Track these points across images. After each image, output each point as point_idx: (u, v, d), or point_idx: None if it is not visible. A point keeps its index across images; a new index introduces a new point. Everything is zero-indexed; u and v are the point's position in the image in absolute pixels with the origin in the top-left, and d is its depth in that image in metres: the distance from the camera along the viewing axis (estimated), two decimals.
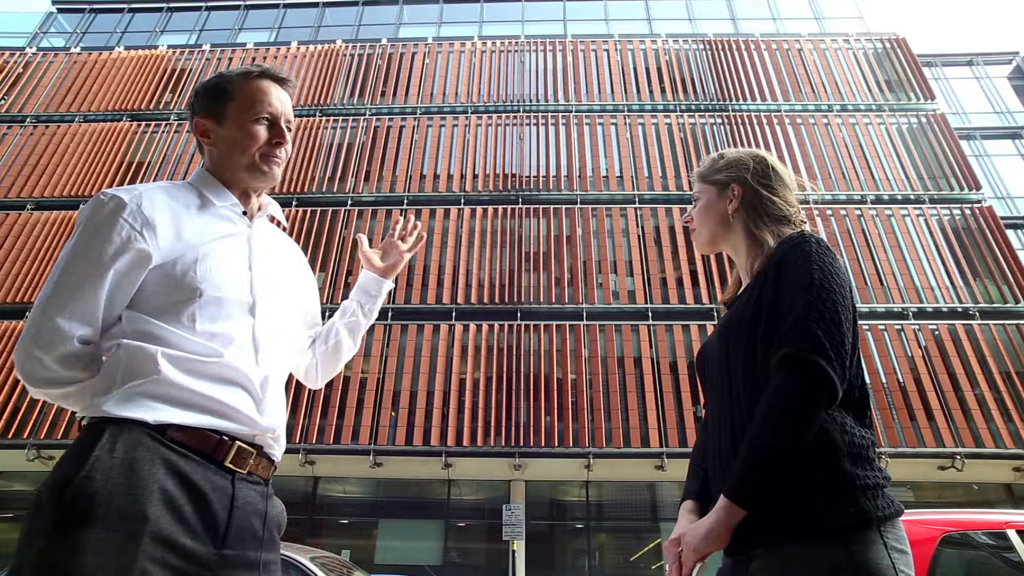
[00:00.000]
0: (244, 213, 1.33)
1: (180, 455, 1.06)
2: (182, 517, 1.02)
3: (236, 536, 1.09)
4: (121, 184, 15.09)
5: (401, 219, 1.70)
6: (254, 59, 17.61)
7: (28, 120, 16.45)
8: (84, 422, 1.10)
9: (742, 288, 1.40)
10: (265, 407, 1.20)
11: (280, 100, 1.34)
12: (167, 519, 1.00)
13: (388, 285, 1.64)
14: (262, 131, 1.31)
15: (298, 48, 17.81)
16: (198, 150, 1.38)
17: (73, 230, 1.18)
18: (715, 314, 12.65)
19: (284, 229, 1.52)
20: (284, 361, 1.31)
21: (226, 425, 1.13)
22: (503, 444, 11.91)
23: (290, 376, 1.44)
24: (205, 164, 1.35)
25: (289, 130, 1.36)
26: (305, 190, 14.89)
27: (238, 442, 1.14)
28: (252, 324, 1.22)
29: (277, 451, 1.25)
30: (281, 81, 1.36)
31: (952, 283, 13.26)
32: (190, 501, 1.04)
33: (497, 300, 13.60)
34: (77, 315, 1.10)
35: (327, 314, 1.58)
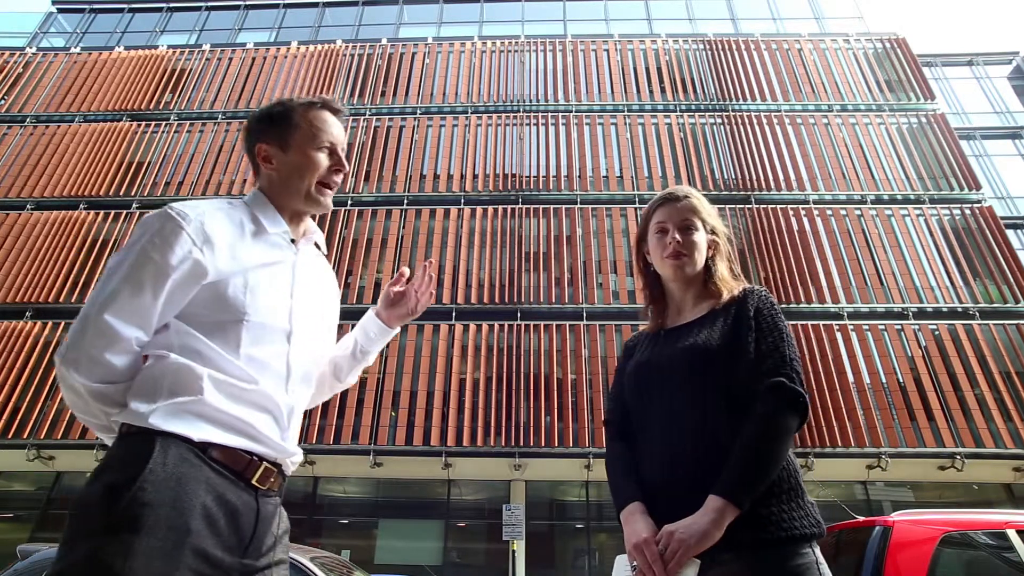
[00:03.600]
0: (292, 240, 1.39)
1: (218, 473, 1.14)
2: (217, 531, 1.10)
3: (255, 546, 1.18)
4: (121, 184, 15.19)
5: (426, 268, 1.67)
6: (254, 59, 17.61)
7: (28, 120, 16.45)
8: (124, 429, 1.16)
9: (686, 317, 1.55)
10: (288, 435, 1.29)
11: (338, 129, 1.43)
12: (205, 532, 1.08)
13: (391, 335, 1.66)
14: (323, 158, 1.39)
15: (298, 48, 17.80)
16: (253, 173, 1.44)
17: (133, 237, 1.21)
18: None
19: (326, 256, 1.56)
20: (309, 388, 1.40)
21: (256, 447, 1.21)
22: (503, 444, 11.91)
23: None
24: (261, 185, 1.41)
25: (345, 157, 1.45)
26: None
27: (265, 463, 1.23)
28: (287, 351, 1.29)
29: (291, 470, 1.35)
30: (336, 112, 1.45)
31: (952, 283, 13.26)
32: (224, 516, 1.12)
33: (497, 300, 13.59)
34: (135, 318, 1.16)
35: None
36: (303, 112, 1.40)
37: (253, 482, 1.19)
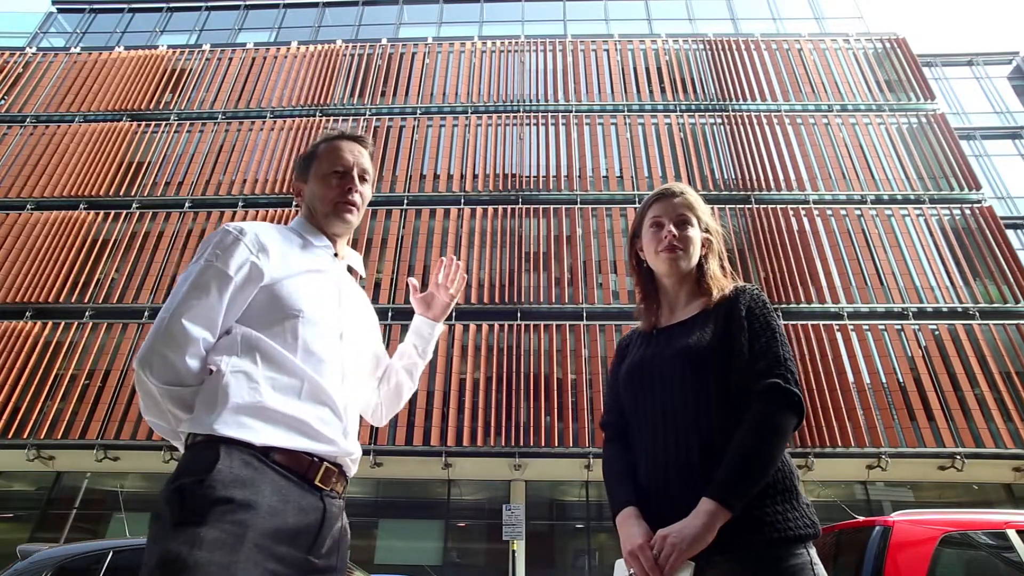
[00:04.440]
0: (335, 256, 1.54)
1: (281, 475, 1.20)
2: (282, 528, 1.16)
3: (319, 544, 1.24)
4: (121, 184, 15.20)
5: (443, 263, 1.82)
6: (254, 59, 17.61)
7: (28, 120, 16.45)
8: (190, 440, 1.23)
9: (678, 316, 1.56)
10: (348, 431, 1.36)
11: (352, 153, 1.56)
12: (270, 528, 1.13)
13: (439, 328, 1.80)
14: (335, 182, 1.53)
15: (298, 48, 17.80)
16: (297, 208, 1.62)
17: (198, 253, 1.34)
18: None
19: (362, 281, 1.71)
20: (363, 391, 1.50)
21: (316, 447, 1.27)
22: (503, 444, 11.91)
23: None
24: (303, 213, 1.58)
25: (364, 180, 1.58)
26: None
27: (325, 463, 1.28)
28: (342, 349, 1.39)
29: (353, 469, 1.40)
30: (358, 139, 1.60)
31: (952, 283, 13.26)
32: (290, 514, 1.18)
33: (497, 300, 13.59)
34: (203, 320, 1.26)
35: None
36: (321, 147, 1.57)
37: (316, 483, 1.25)
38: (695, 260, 1.57)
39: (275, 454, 1.20)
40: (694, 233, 1.57)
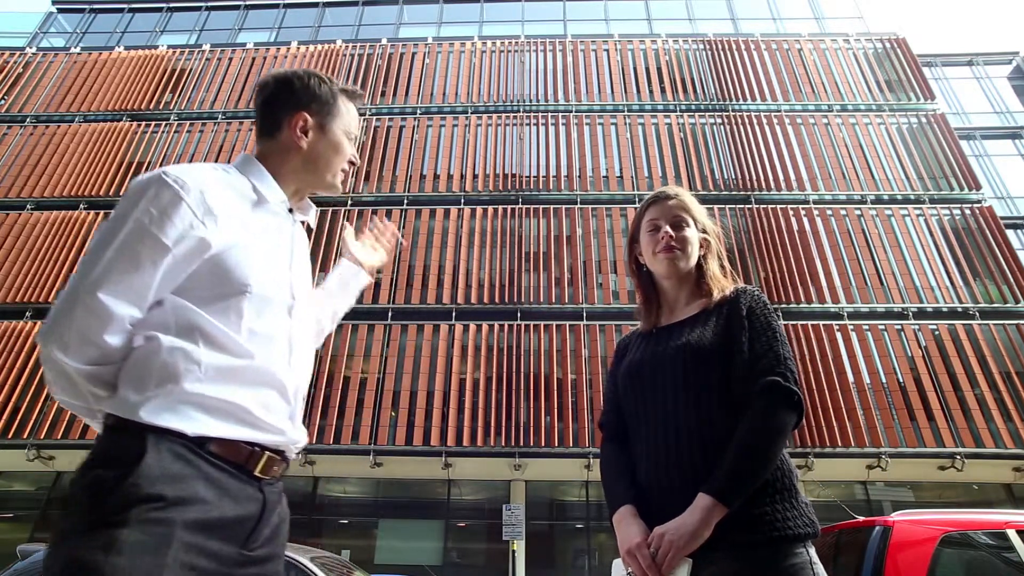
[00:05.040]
0: (290, 211, 1.35)
1: (217, 467, 1.07)
2: (215, 523, 1.04)
3: (256, 536, 1.13)
4: (121, 184, 15.19)
5: (374, 222, 1.80)
6: (254, 59, 17.61)
7: (28, 120, 16.45)
8: (112, 422, 1.07)
9: (678, 316, 1.56)
10: (295, 415, 1.25)
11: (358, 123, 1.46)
12: (201, 523, 1.02)
13: (364, 277, 1.72)
14: (350, 149, 1.42)
15: (298, 48, 17.81)
16: (263, 131, 1.36)
17: (125, 204, 1.10)
18: None
19: (310, 232, 1.58)
20: (309, 365, 1.34)
21: (258, 436, 1.14)
22: (503, 444, 11.91)
23: None
24: (256, 150, 1.35)
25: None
26: None
27: (268, 452, 1.16)
28: (290, 326, 1.24)
29: (294, 454, 1.29)
30: (360, 109, 1.48)
31: (952, 283, 13.26)
32: (225, 508, 1.06)
33: (497, 300, 13.59)
34: (131, 295, 1.07)
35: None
36: (346, 100, 1.41)
37: (256, 473, 1.13)
38: (693, 260, 1.58)
39: (210, 444, 1.07)
40: (691, 234, 1.58)
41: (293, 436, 1.22)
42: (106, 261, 1.06)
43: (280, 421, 1.19)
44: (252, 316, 1.16)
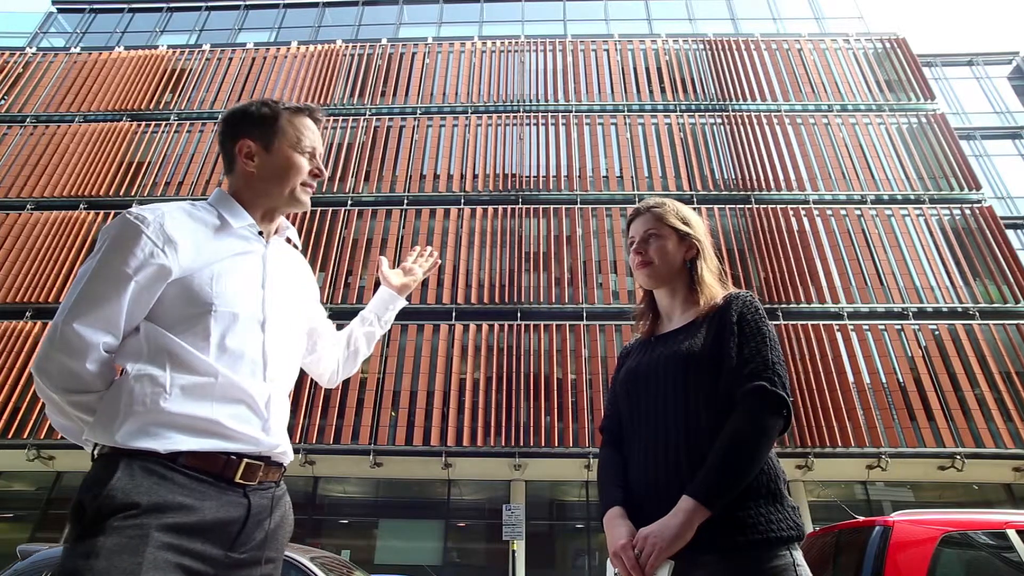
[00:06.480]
0: (260, 233, 1.41)
1: (192, 478, 1.15)
2: (196, 525, 1.12)
3: (246, 539, 1.20)
4: (121, 184, 15.19)
5: (416, 249, 1.94)
6: (254, 59, 17.61)
7: (28, 120, 16.45)
8: (96, 451, 1.18)
9: (675, 324, 1.59)
10: (270, 425, 1.28)
11: (318, 136, 1.48)
12: (181, 525, 1.10)
13: (401, 302, 1.84)
14: (305, 163, 1.44)
15: (298, 48, 17.80)
16: (226, 167, 1.45)
17: (97, 245, 1.23)
18: None
19: (298, 249, 1.60)
20: (290, 374, 1.40)
21: (231, 446, 1.21)
22: (503, 444, 11.91)
23: None
24: (228, 185, 1.44)
25: (323, 164, 1.52)
26: None
27: (246, 459, 1.22)
28: (263, 340, 1.30)
29: (286, 458, 1.34)
30: (318, 121, 1.50)
31: (952, 283, 13.26)
32: (205, 511, 1.14)
33: (497, 300, 13.59)
34: (101, 323, 1.17)
35: (327, 315, 1.62)
36: (289, 117, 1.43)
37: (238, 480, 1.20)
38: (671, 269, 1.60)
39: (183, 458, 1.14)
40: (665, 244, 1.61)
41: (269, 443, 1.26)
42: (78, 295, 1.18)
43: (252, 431, 1.24)
44: (219, 333, 1.23)
